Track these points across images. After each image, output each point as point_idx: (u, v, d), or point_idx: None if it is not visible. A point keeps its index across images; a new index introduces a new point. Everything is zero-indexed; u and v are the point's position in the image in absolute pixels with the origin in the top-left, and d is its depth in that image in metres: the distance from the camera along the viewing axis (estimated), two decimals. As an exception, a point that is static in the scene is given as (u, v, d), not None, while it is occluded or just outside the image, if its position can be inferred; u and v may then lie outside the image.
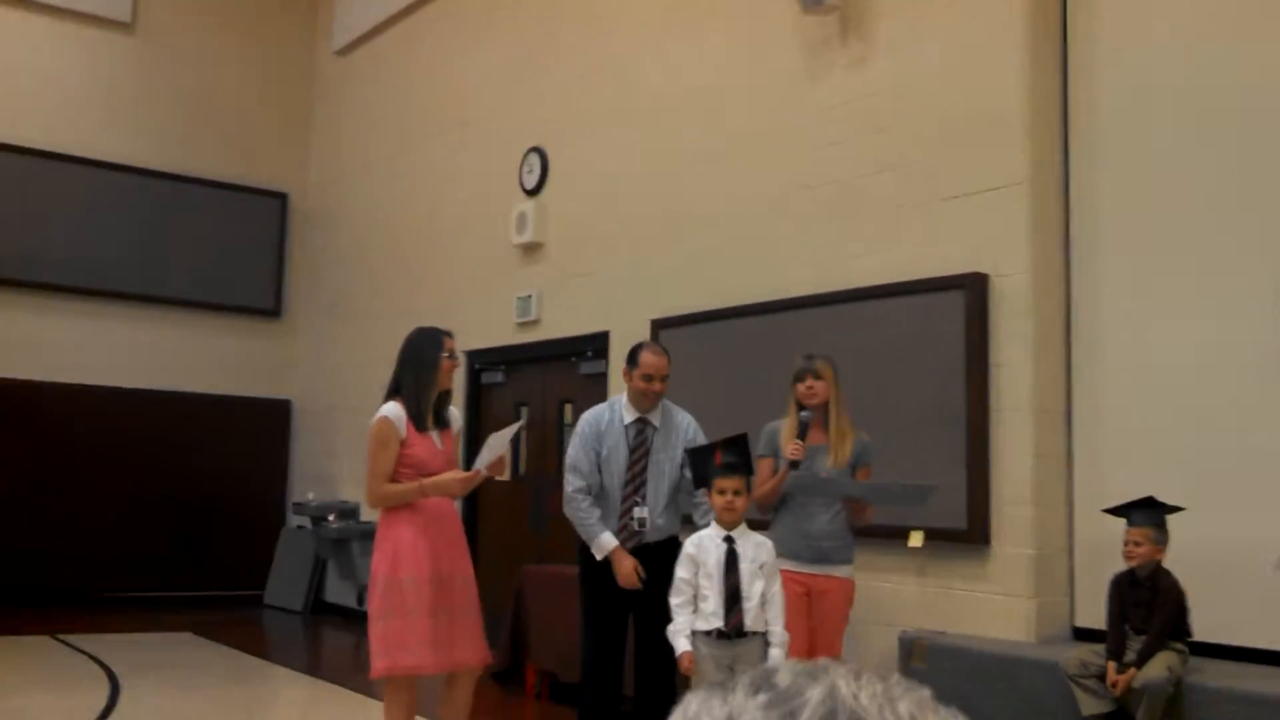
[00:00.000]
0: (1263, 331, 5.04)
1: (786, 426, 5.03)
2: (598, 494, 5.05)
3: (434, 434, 4.68)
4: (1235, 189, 5.18)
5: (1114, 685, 4.48)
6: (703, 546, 4.51)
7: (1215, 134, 5.28)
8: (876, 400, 5.97)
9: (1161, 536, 4.67)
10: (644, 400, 5.07)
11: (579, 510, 5.03)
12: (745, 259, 7.01)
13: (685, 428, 5.18)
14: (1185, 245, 5.33)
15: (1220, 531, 5.00)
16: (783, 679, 0.68)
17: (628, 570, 4.93)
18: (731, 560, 4.47)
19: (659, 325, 7.47)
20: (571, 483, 5.06)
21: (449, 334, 4.80)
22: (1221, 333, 5.17)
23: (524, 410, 9.09)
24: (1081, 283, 5.68)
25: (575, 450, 5.12)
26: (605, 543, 4.96)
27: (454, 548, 4.68)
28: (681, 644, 4.43)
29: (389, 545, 4.58)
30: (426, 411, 4.66)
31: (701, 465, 4.70)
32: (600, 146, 8.29)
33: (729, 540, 4.50)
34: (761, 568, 4.50)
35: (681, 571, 4.51)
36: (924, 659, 5.42)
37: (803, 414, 4.97)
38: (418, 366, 4.68)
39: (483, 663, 4.73)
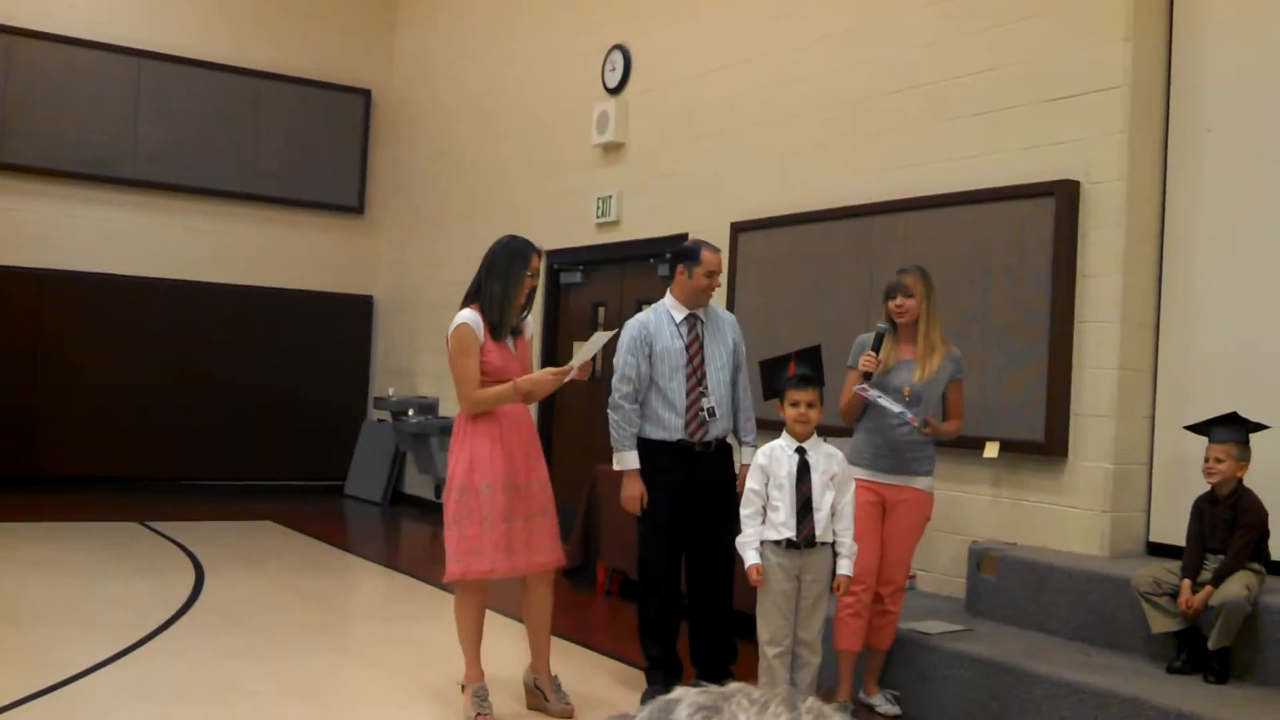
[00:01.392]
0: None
1: (887, 341, 4.92)
2: (647, 397, 5.04)
3: (509, 341, 4.69)
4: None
5: (1188, 605, 4.40)
6: (774, 457, 4.48)
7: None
8: (961, 308, 5.85)
9: (1244, 454, 4.55)
10: (703, 296, 5.07)
11: (624, 418, 5.02)
12: (830, 162, 6.87)
13: (730, 322, 5.21)
14: (1289, 155, 5.10)
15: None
16: (680, 714, 0.62)
17: (634, 494, 4.98)
18: (804, 471, 4.44)
19: (739, 228, 7.39)
20: (619, 389, 5.03)
21: (539, 251, 4.77)
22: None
23: (602, 310, 9.09)
24: (1177, 193, 5.48)
25: (623, 357, 5.07)
26: (629, 460, 4.99)
27: (530, 453, 4.71)
28: (751, 556, 4.43)
29: (465, 451, 4.62)
30: (507, 323, 4.66)
31: (774, 376, 4.65)
32: (684, 46, 8.14)
33: (801, 451, 4.47)
34: (833, 479, 4.48)
35: (752, 483, 4.50)
36: (994, 570, 5.38)
37: (880, 326, 4.89)
38: (503, 277, 4.65)
39: (558, 564, 4.79)
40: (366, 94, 12.21)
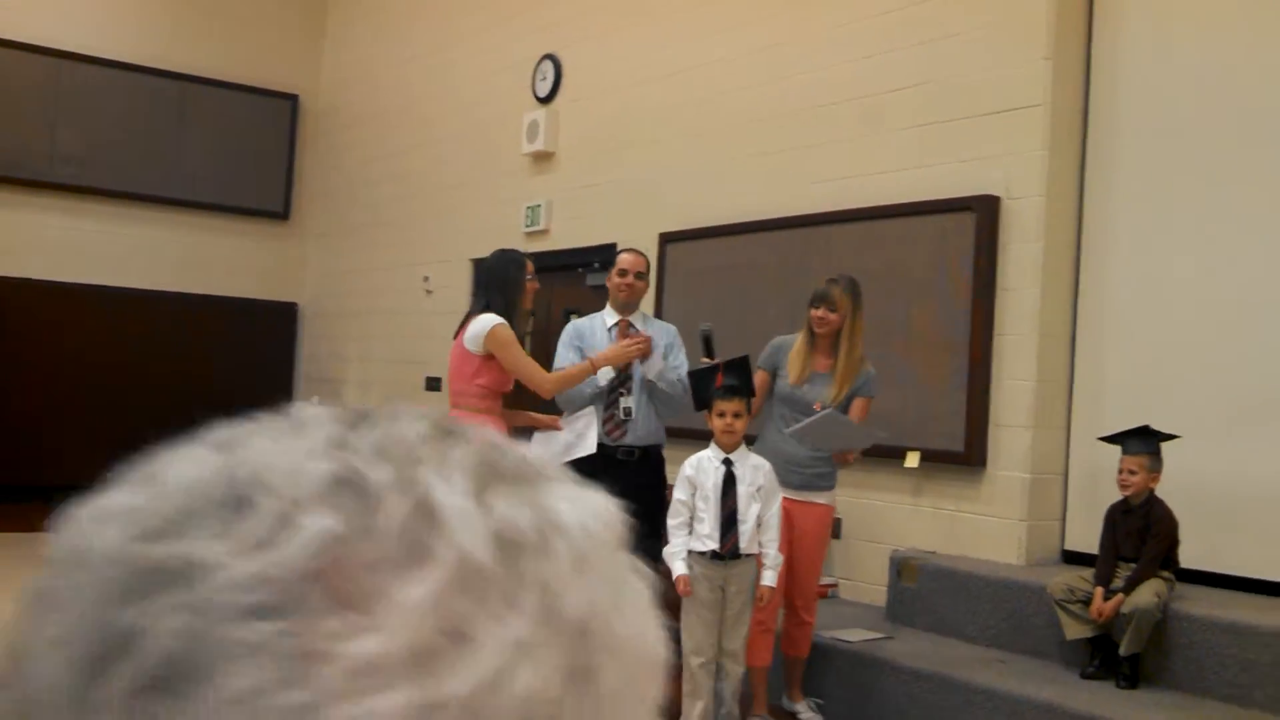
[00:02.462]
0: (1271, 266, 4.98)
1: (796, 348, 4.95)
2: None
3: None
4: (1255, 116, 5.08)
5: (1100, 612, 4.49)
6: (701, 468, 4.50)
7: (1239, 61, 5.16)
8: (883, 320, 5.93)
9: (1156, 465, 4.66)
10: (620, 294, 5.11)
11: (557, 373, 4.99)
12: (759, 174, 6.93)
13: (666, 330, 5.22)
14: (1200, 175, 5.24)
15: (1214, 462, 4.99)
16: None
17: (617, 348, 4.93)
18: (729, 483, 4.46)
19: (668, 239, 7.42)
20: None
21: (529, 256, 4.94)
22: (1230, 265, 5.11)
23: (530, 319, 9.07)
24: (1094, 208, 5.61)
25: (558, 352, 5.19)
26: (604, 373, 4.93)
27: None
28: (679, 567, 4.43)
29: None
30: (517, 329, 4.77)
31: (702, 386, 4.68)
32: (616, 56, 8.17)
33: (727, 463, 4.48)
34: (759, 490, 4.49)
35: (679, 493, 4.51)
36: (914, 578, 5.45)
37: (704, 327, 5.07)
38: (505, 287, 4.76)
39: None
40: (294, 99, 12.08)
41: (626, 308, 5.15)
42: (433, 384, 9.49)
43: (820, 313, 4.88)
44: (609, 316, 5.17)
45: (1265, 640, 4.24)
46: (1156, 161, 5.40)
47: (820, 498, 4.94)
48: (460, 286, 9.37)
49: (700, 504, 4.44)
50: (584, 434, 4.91)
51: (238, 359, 11.72)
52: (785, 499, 4.81)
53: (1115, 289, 5.50)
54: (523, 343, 4.81)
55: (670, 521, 4.51)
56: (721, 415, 4.47)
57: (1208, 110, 5.24)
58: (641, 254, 5.25)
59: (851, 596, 6.01)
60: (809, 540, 4.93)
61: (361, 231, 11.19)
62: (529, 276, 4.82)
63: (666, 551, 4.49)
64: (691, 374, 4.84)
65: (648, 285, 5.27)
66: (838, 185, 6.38)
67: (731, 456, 4.50)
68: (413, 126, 10.51)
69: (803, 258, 6.52)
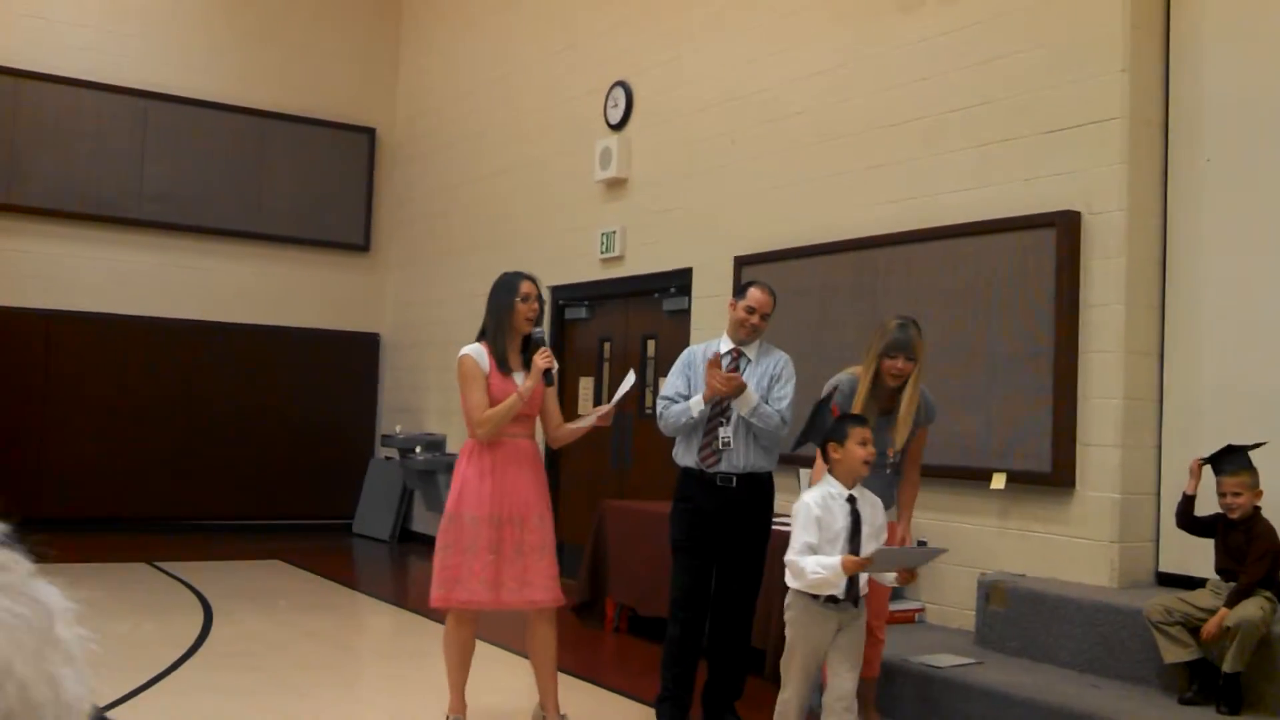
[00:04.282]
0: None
1: (861, 395, 4.69)
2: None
3: (518, 375, 4.74)
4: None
5: (1206, 632, 4.37)
6: (828, 509, 4.15)
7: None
8: (964, 340, 5.88)
9: (1255, 481, 4.55)
10: (740, 330, 5.07)
11: (666, 411, 5.02)
12: (833, 195, 6.90)
13: (776, 362, 5.13)
14: (1290, 183, 5.12)
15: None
16: None
17: (714, 378, 4.85)
18: (856, 525, 4.16)
19: (742, 261, 7.41)
20: (660, 406, 5.11)
21: (528, 277, 4.84)
22: (1325, 274, 4.98)
23: (608, 345, 9.11)
24: (1179, 222, 5.49)
25: (670, 379, 5.19)
26: (695, 402, 4.93)
27: (530, 487, 4.72)
28: (829, 565, 4.02)
29: (457, 482, 4.73)
30: (504, 353, 4.74)
31: (826, 415, 4.38)
32: (684, 81, 8.20)
33: (852, 501, 4.17)
34: (877, 530, 4.27)
35: (807, 536, 4.14)
36: (1003, 602, 5.36)
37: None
38: (496, 310, 4.80)
39: (555, 603, 4.77)
40: (371, 132, 12.29)
41: (741, 337, 5.12)
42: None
43: (899, 364, 4.65)
44: (723, 344, 5.15)
45: None
46: (1241, 174, 5.28)
47: (890, 514, 4.88)
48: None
49: (826, 547, 4.10)
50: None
51: (322, 390, 11.95)
52: None
53: (1204, 302, 5.38)
54: (524, 365, 4.76)
55: (794, 556, 4.13)
56: (864, 444, 4.15)
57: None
58: (772, 294, 5.11)
59: (939, 621, 5.93)
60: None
61: (438, 261, 11.33)
62: (521, 298, 4.76)
63: (807, 566, 4.06)
64: (818, 405, 4.58)
65: (767, 326, 5.12)
66: (912, 204, 6.33)
67: (854, 493, 4.19)
68: (486, 155, 10.63)
69: (879, 277, 6.48)
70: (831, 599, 4.15)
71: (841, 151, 6.86)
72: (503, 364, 4.72)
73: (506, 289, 4.81)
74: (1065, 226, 5.55)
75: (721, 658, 5.15)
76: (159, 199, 11.19)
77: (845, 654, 4.26)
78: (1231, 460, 4.59)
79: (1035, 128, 5.77)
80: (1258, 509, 4.55)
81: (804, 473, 5.21)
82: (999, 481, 5.57)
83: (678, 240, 8.11)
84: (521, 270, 4.92)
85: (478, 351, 4.73)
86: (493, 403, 4.66)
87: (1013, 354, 5.70)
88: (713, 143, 7.87)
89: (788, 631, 4.27)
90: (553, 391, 4.89)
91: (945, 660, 5.11)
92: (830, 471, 4.22)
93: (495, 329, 4.77)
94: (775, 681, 5.73)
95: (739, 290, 5.19)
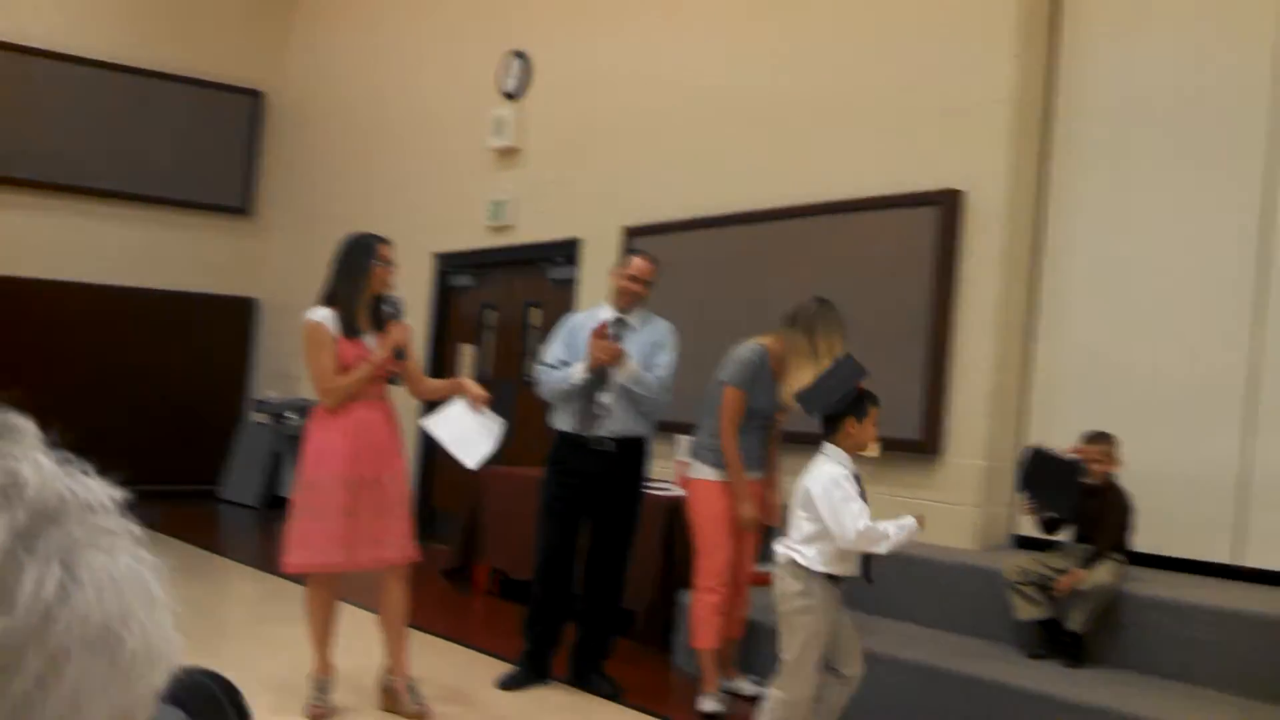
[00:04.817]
0: (1228, 261, 5.07)
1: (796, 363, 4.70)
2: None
3: (368, 338, 4.61)
4: (1216, 113, 5.19)
5: (1059, 587, 4.53)
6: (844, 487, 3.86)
7: (1199, 59, 5.27)
8: (846, 312, 5.96)
9: (1114, 451, 4.73)
10: (624, 298, 5.12)
11: (546, 376, 5.08)
12: (723, 170, 6.98)
13: (658, 330, 5.18)
14: (1160, 171, 5.34)
15: (1166, 448, 5.07)
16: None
17: (597, 347, 4.92)
18: (863, 500, 3.94)
19: (632, 232, 7.45)
20: (539, 370, 5.13)
21: (384, 240, 4.67)
22: (1186, 256, 5.21)
23: (494, 313, 9.05)
24: (1056, 202, 5.70)
25: (549, 345, 5.24)
26: (576, 369, 4.98)
27: (385, 450, 4.61)
28: (902, 524, 3.86)
29: (311, 446, 4.57)
30: (355, 317, 4.55)
31: (847, 390, 3.99)
32: (582, 53, 8.21)
33: (858, 477, 3.95)
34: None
35: (858, 504, 3.85)
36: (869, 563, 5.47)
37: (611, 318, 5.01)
38: (349, 273, 4.57)
39: (407, 560, 4.67)
40: (258, 94, 12.04)
41: (623, 305, 5.16)
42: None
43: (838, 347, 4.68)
44: (604, 312, 5.18)
45: (1208, 619, 4.29)
46: (1118, 156, 5.50)
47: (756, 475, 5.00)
48: (423, 281, 9.35)
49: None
50: (485, 437, 4.70)
51: (197, 353, 11.67)
52: (719, 482, 4.90)
53: (1074, 281, 5.58)
54: (381, 329, 4.59)
55: (866, 522, 3.80)
56: (877, 424, 3.96)
57: (1169, 106, 5.34)
58: (655, 262, 5.21)
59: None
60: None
61: (325, 227, 11.09)
62: (377, 262, 4.58)
63: (882, 530, 3.82)
64: (830, 379, 4.22)
65: (649, 294, 5.20)
66: (801, 180, 6.44)
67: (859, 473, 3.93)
68: (378, 122, 10.50)
69: (768, 252, 6.57)
70: (835, 578, 3.88)
71: (733, 127, 6.95)
72: (352, 328, 4.53)
73: (363, 250, 4.60)
74: (948, 204, 5.71)
75: (592, 619, 5.18)
76: (36, 156, 10.79)
77: (854, 633, 4.06)
78: (1094, 435, 4.78)
79: (924, 108, 5.92)
80: (1113, 477, 4.73)
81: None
82: (874, 449, 5.67)
83: (568, 211, 8.11)
84: (375, 233, 4.73)
85: (326, 316, 4.52)
86: (343, 368, 4.50)
87: (892, 326, 5.83)
88: (607, 115, 7.89)
89: (805, 620, 3.84)
90: (410, 352, 4.77)
91: None
92: (838, 445, 3.91)
93: (348, 292, 4.54)
94: (645, 643, 5.80)
95: (622, 259, 5.23)
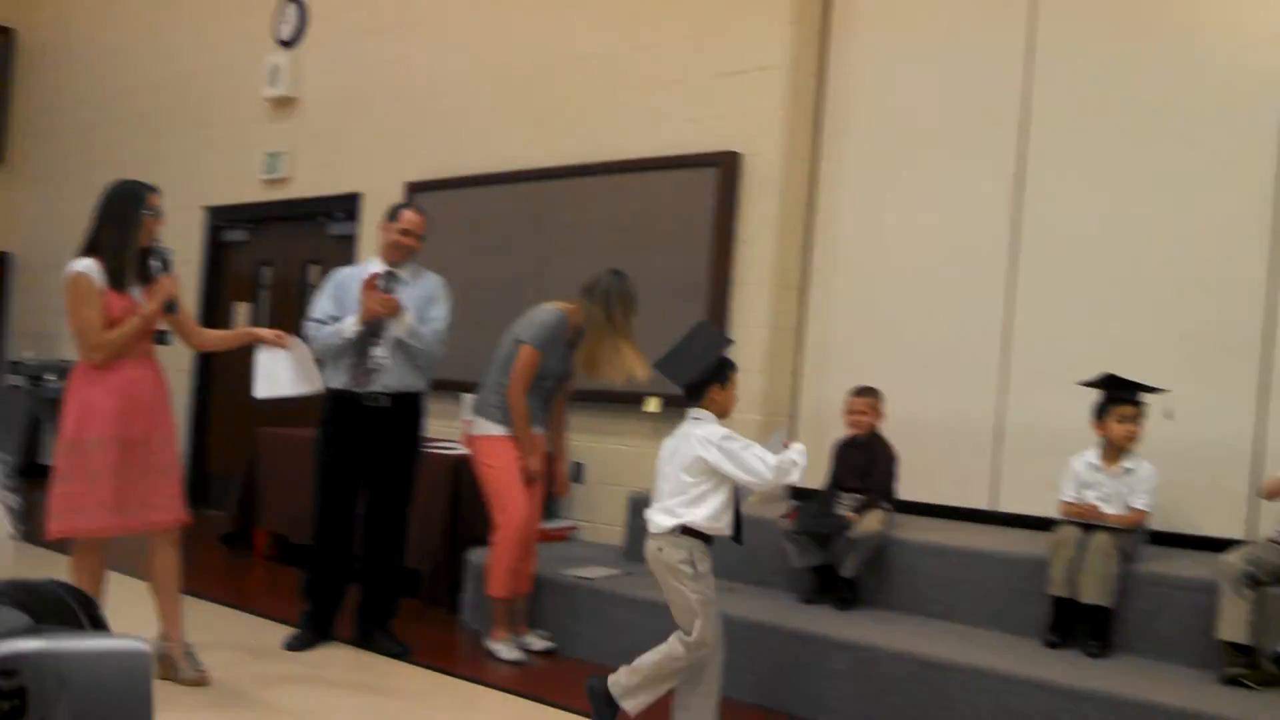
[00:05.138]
0: (985, 227, 5.38)
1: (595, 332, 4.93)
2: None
3: (136, 291, 4.40)
4: (978, 86, 5.47)
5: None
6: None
7: (964, 33, 5.55)
8: (630, 271, 6.04)
9: (879, 405, 4.99)
10: (395, 252, 5.04)
11: (316, 332, 4.96)
12: (508, 127, 6.94)
13: (431, 284, 5.14)
14: (923, 140, 5.62)
15: (931, 404, 5.37)
16: None
17: (372, 300, 4.86)
18: None
19: (415, 188, 7.34)
20: (308, 326, 5.00)
21: (154, 189, 4.45)
22: (948, 225, 5.50)
23: (269, 270, 8.76)
24: (827, 166, 5.92)
25: (317, 301, 5.08)
26: (349, 323, 4.89)
27: (154, 408, 4.43)
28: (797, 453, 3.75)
29: (75, 405, 4.31)
30: (125, 269, 4.34)
31: (717, 353, 4.00)
32: (361, 2, 7.99)
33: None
34: None
35: (760, 449, 3.81)
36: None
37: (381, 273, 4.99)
38: (117, 223, 4.33)
39: (178, 522, 4.51)
40: (7, 32, 11.24)
41: (394, 259, 5.08)
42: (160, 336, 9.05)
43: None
44: (375, 267, 5.09)
45: (965, 560, 4.59)
46: (884, 123, 5.75)
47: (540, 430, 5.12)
48: (193, 236, 8.98)
49: (720, 481, 3.80)
50: (292, 384, 4.66)
51: (-60, 309, 10.86)
52: (506, 437, 4.97)
53: (844, 242, 5.83)
54: (148, 281, 4.40)
55: (774, 459, 3.73)
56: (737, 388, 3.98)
57: (933, 78, 5.61)
58: (424, 214, 5.20)
59: (592, 538, 6.14)
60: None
61: (85, 177, 10.48)
62: (148, 211, 4.39)
63: (791, 459, 3.72)
64: (706, 335, 4.20)
65: (420, 247, 5.16)
66: (585, 139, 6.48)
67: None
68: (144, 66, 9.96)
69: (552, 210, 6.59)
70: (710, 540, 3.88)
71: (517, 84, 6.92)
72: (118, 281, 4.31)
73: (133, 199, 4.37)
74: (726, 166, 5.85)
75: (375, 578, 5.13)
76: None
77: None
78: (866, 389, 5.03)
79: (703, 71, 6.04)
80: (876, 430, 4.99)
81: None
82: (653, 405, 5.81)
83: (348, 164, 7.91)
84: (143, 181, 4.49)
85: (90, 267, 4.27)
86: (110, 323, 4.28)
87: (674, 285, 5.95)
88: (389, 67, 7.73)
89: (697, 586, 3.82)
90: (182, 306, 4.59)
91: (593, 572, 5.30)
92: (707, 409, 3.90)
93: (116, 243, 4.31)
94: (432, 602, 5.78)
95: (391, 213, 5.13)
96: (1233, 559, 3.96)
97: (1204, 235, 4.82)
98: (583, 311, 4.97)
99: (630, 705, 3.85)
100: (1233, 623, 3.89)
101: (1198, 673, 3.96)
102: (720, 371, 3.91)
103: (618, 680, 3.88)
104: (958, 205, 5.48)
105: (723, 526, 3.83)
